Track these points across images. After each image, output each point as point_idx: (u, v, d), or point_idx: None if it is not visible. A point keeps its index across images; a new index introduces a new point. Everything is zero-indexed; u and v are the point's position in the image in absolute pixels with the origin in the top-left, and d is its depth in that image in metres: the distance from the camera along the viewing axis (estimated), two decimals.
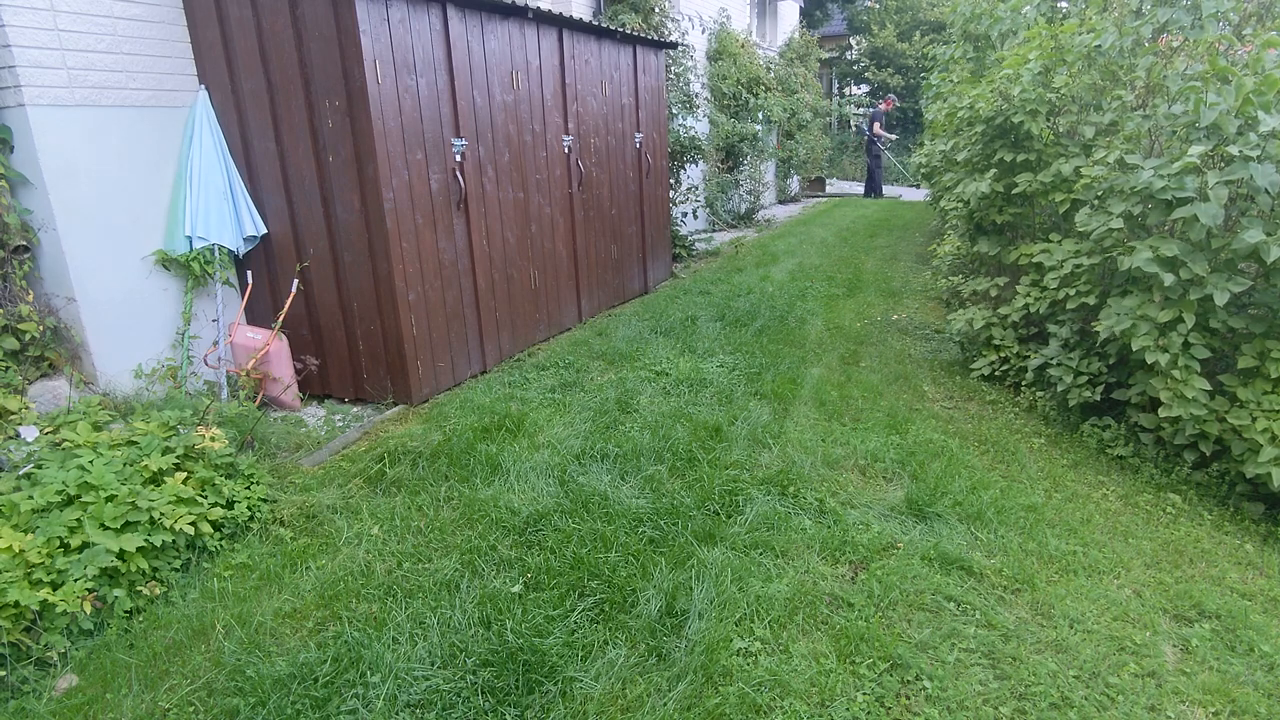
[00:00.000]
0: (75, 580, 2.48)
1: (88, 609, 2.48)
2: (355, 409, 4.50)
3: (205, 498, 3.01)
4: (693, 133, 9.69)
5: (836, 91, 22.21)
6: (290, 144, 4.24)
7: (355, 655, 2.36)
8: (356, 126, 4.04)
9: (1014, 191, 4.43)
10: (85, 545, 2.56)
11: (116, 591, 2.60)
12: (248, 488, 3.25)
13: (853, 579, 2.79)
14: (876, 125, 15.46)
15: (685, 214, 10.10)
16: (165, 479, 2.95)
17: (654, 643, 2.43)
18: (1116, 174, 3.55)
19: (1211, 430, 3.24)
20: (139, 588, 2.71)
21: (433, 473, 3.63)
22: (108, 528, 2.63)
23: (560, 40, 5.66)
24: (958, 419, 4.22)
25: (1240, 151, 3.00)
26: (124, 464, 2.93)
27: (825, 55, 17.37)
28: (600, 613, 2.58)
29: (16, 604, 2.36)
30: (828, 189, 17.93)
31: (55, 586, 2.47)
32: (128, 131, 3.99)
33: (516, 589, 2.69)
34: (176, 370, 4.27)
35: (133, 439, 3.13)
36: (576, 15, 7.20)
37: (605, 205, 6.58)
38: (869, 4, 21.58)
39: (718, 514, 3.18)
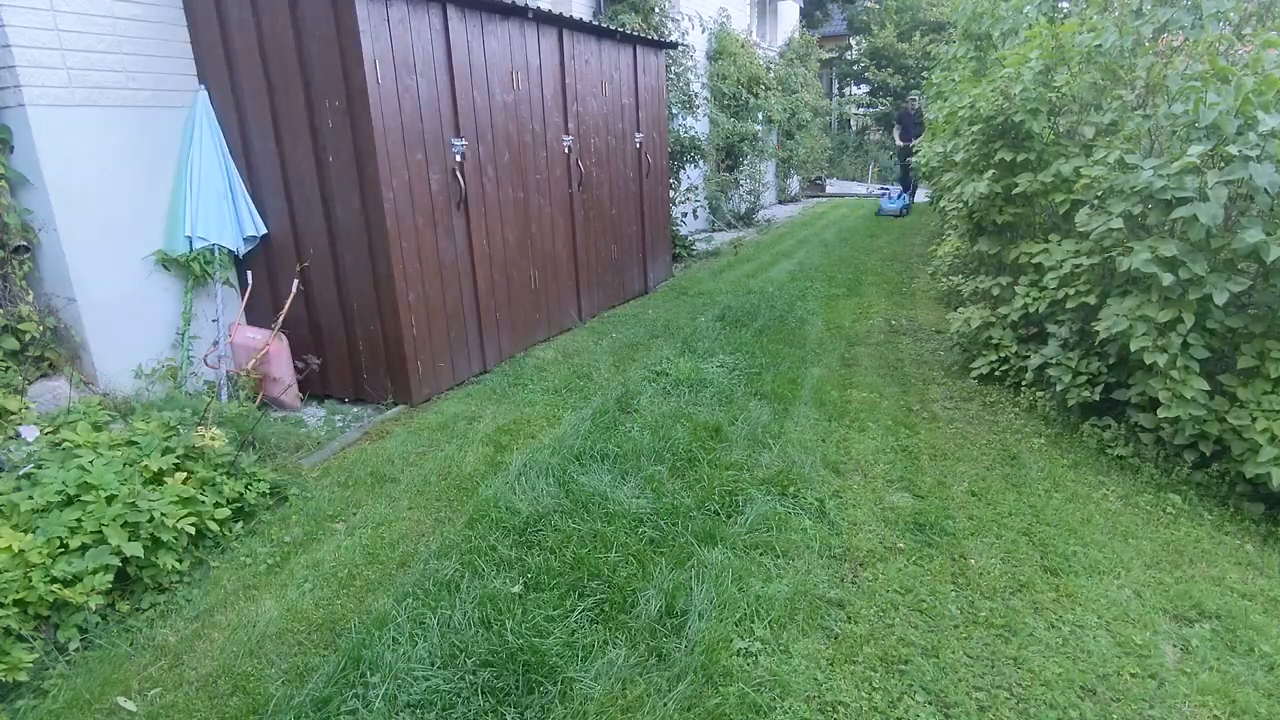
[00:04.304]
0: (92, 574, 2.49)
1: (93, 606, 2.48)
2: (355, 409, 4.50)
3: (206, 498, 3.01)
4: (693, 133, 9.69)
5: (836, 91, 22.21)
6: (290, 144, 4.24)
7: (355, 655, 2.36)
8: (356, 126, 4.04)
9: (1014, 192, 4.43)
10: (85, 546, 2.56)
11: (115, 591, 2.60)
12: (247, 487, 3.25)
13: (853, 579, 2.79)
14: (896, 130, 14.02)
15: (685, 214, 10.10)
16: (166, 479, 2.95)
17: (654, 643, 2.43)
18: (1116, 174, 3.55)
19: (1211, 430, 3.23)
20: (137, 588, 2.71)
21: (433, 473, 3.63)
22: (108, 528, 2.62)
23: (560, 40, 5.66)
24: (958, 419, 4.22)
25: (1240, 151, 3.00)
26: (124, 464, 2.93)
27: (825, 55, 17.37)
28: (600, 613, 2.58)
29: (23, 601, 2.36)
30: (828, 189, 17.93)
31: (68, 584, 2.47)
32: (128, 131, 3.99)
33: (516, 589, 2.69)
34: (176, 370, 4.27)
35: (133, 439, 3.13)
36: (576, 15, 7.20)
37: (605, 205, 6.57)
38: (869, 4, 21.58)
39: (718, 514, 3.18)
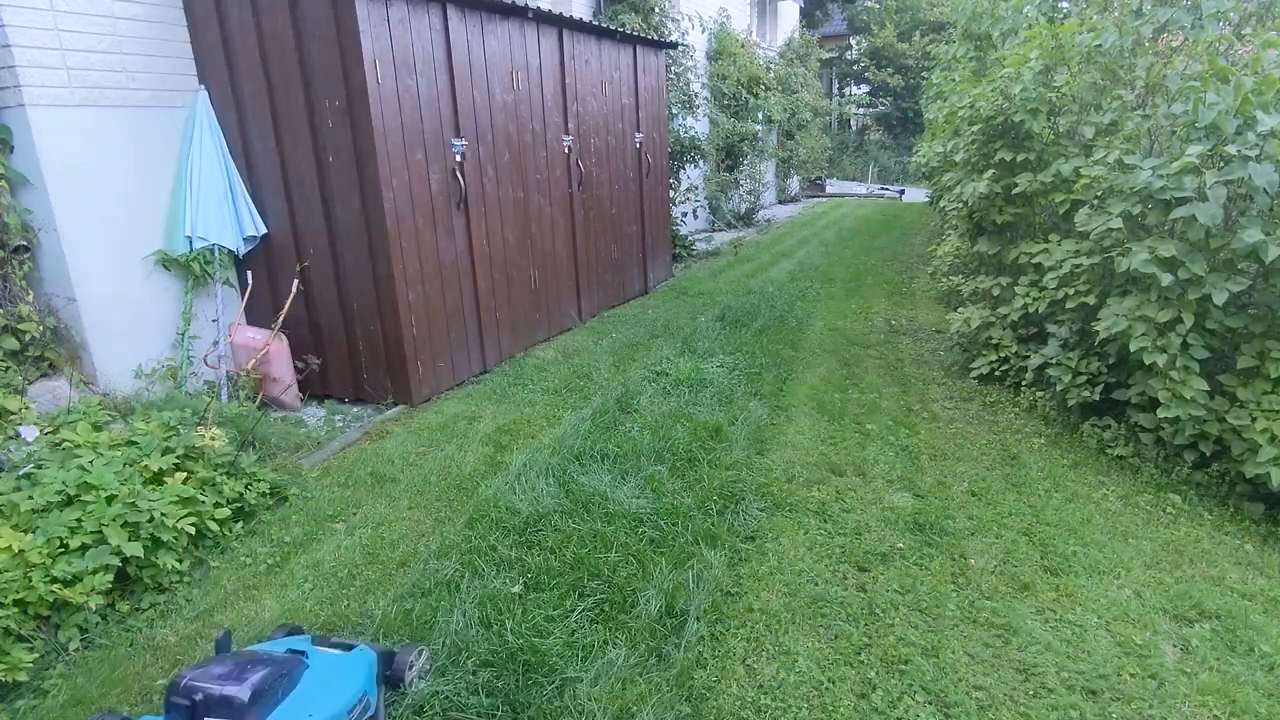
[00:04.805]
0: (92, 574, 2.49)
1: (93, 605, 2.48)
2: (355, 409, 4.50)
3: (206, 498, 3.01)
4: (693, 133, 9.69)
5: (836, 91, 22.21)
6: (290, 144, 4.24)
7: None
8: (356, 126, 4.04)
9: (1014, 191, 4.43)
10: (85, 546, 2.56)
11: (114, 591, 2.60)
12: (247, 487, 3.25)
13: (853, 579, 2.78)
14: None
15: (685, 214, 10.09)
16: (166, 479, 2.95)
17: (654, 643, 2.43)
18: (1116, 174, 3.55)
19: (1211, 430, 3.23)
20: (137, 588, 2.71)
21: (433, 473, 3.63)
22: (108, 528, 2.62)
23: (560, 40, 5.66)
24: (958, 420, 4.22)
25: (1238, 151, 3.00)
26: (124, 464, 2.93)
27: (825, 55, 17.36)
28: (600, 613, 2.57)
29: (23, 601, 2.36)
30: (828, 189, 17.93)
31: (68, 584, 2.47)
32: (128, 131, 3.98)
33: (516, 589, 2.69)
34: (176, 370, 4.27)
35: (133, 439, 3.13)
36: (576, 15, 7.19)
37: (605, 205, 6.57)
38: (869, 4, 21.58)
39: (718, 514, 3.18)
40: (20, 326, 3.59)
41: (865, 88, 21.67)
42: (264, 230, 4.44)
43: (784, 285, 7.63)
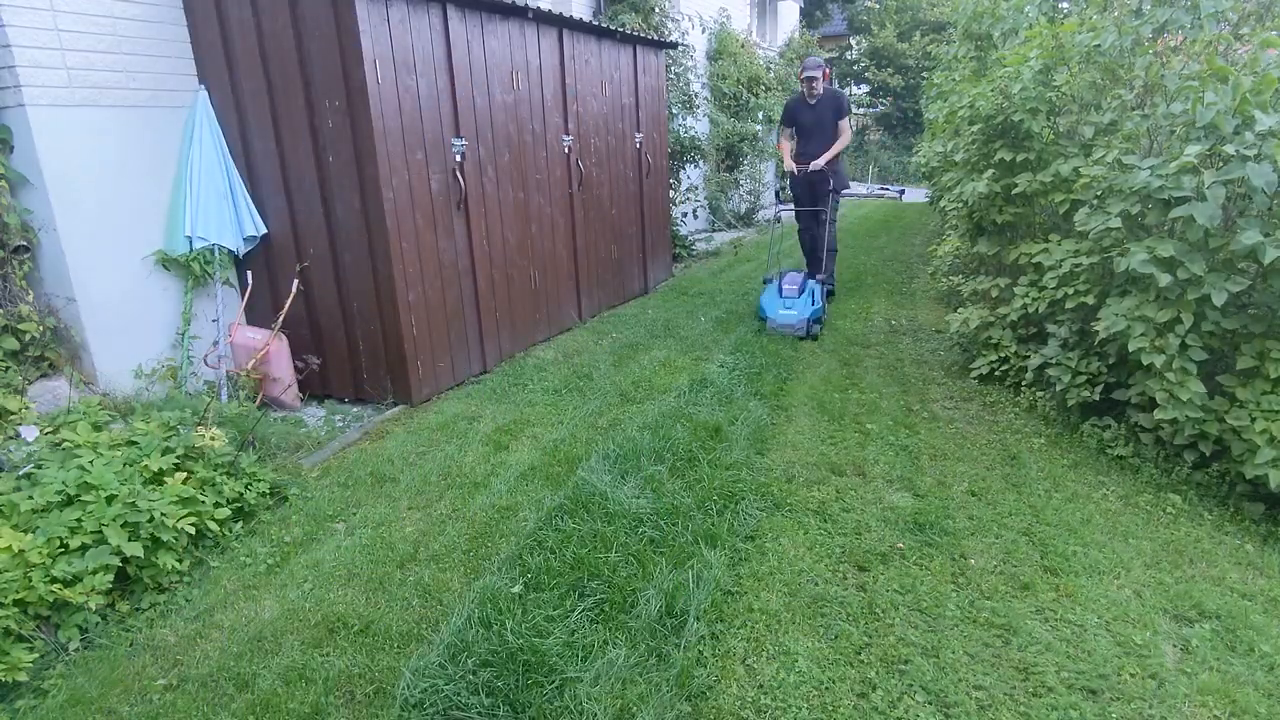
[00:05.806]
0: (92, 574, 2.49)
1: (93, 605, 2.49)
2: (355, 409, 4.50)
3: (206, 498, 3.01)
4: (693, 133, 9.69)
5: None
6: (290, 144, 4.24)
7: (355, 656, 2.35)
8: (356, 126, 4.04)
9: (1014, 191, 4.43)
10: (85, 546, 2.56)
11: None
12: (247, 487, 3.25)
13: (853, 579, 2.79)
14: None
15: (685, 214, 10.09)
16: (166, 479, 2.95)
17: (654, 643, 2.43)
18: (1115, 174, 3.55)
19: (1211, 430, 3.23)
20: (137, 588, 2.71)
21: (433, 473, 3.63)
22: (108, 528, 2.62)
23: (560, 40, 5.66)
24: (958, 420, 4.22)
25: (1237, 151, 3.00)
26: (124, 464, 2.93)
27: (825, 55, 17.35)
28: (600, 613, 2.58)
29: (23, 601, 2.36)
30: None
31: (68, 584, 2.48)
32: (128, 131, 3.99)
33: (516, 589, 2.69)
34: (176, 370, 4.27)
35: (133, 439, 3.13)
36: (576, 15, 7.19)
37: (605, 205, 6.57)
38: (869, 4, 21.58)
39: (718, 514, 3.18)
40: (20, 326, 3.59)
41: (865, 88, 21.66)
42: (264, 230, 4.44)
43: None
